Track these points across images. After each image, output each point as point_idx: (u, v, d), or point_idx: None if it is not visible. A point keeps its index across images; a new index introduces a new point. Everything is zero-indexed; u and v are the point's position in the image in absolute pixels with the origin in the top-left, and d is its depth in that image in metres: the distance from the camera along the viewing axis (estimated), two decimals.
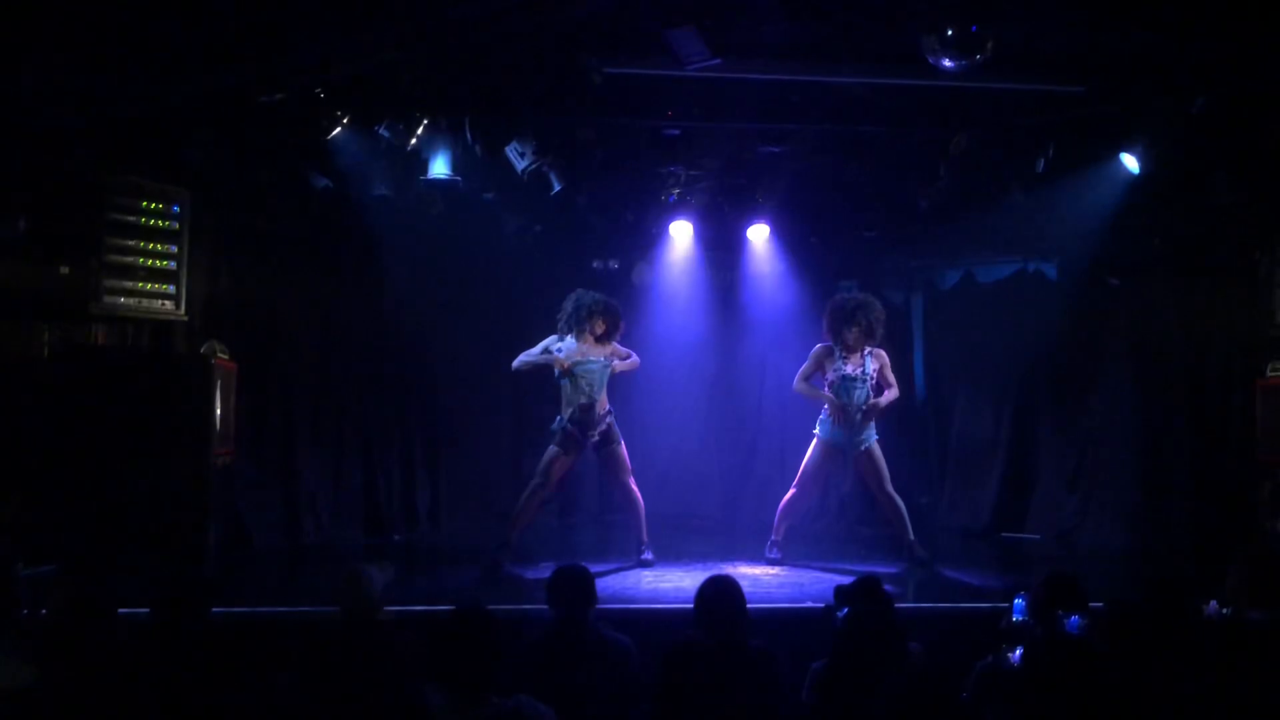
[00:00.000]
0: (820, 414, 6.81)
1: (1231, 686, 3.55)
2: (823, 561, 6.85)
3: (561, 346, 6.65)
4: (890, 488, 6.74)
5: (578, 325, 6.66)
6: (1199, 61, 5.83)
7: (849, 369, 6.69)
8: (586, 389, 6.55)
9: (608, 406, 6.67)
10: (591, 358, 6.63)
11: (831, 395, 6.66)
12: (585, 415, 6.56)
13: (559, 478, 6.74)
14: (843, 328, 6.71)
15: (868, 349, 6.74)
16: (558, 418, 6.62)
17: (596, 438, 6.65)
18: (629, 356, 6.79)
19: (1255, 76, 5.83)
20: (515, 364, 6.65)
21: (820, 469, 6.85)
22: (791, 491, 6.89)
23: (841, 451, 6.78)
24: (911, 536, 6.74)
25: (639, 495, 6.82)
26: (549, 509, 7.10)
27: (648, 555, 6.78)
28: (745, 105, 6.58)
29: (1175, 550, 6.89)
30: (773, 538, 6.91)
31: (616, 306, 6.79)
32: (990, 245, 8.31)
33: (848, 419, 6.65)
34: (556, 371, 6.61)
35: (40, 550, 5.58)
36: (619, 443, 6.73)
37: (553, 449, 6.63)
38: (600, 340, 6.70)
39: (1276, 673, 3.59)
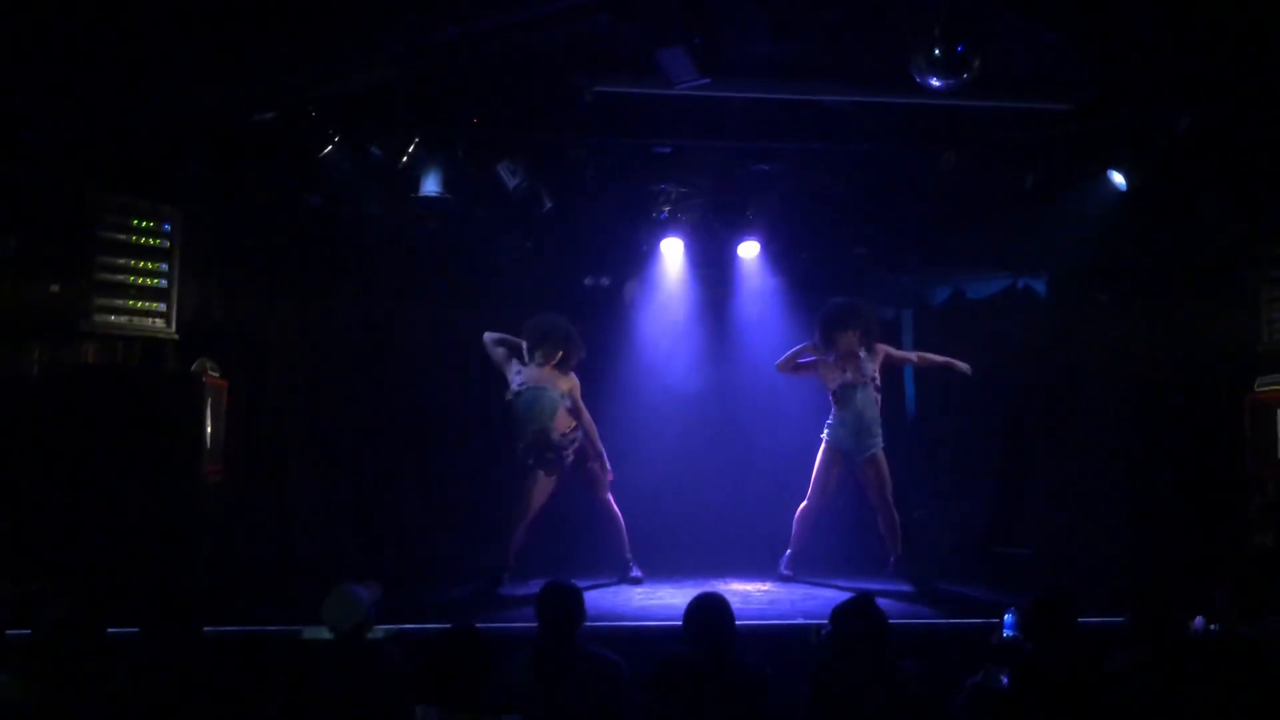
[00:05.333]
0: (828, 419, 6.81)
1: (1223, 703, 3.56)
2: (814, 578, 6.86)
3: (521, 370, 6.63)
4: (891, 500, 6.74)
5: (533, 351, 6.63)
6: (1184, 80, 5.88)
7: (849, 375, 6.68)
8: (536, 417, 6.54)
9: (568, 427, 6.62)
10: (539, 386, 6.59)
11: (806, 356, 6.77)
12: (541, 440, 6.55)
13: (541, 501, 6.68)
14: (835, 333, 6.66)
15: (863, 352, 6.72)
16: (518, 444, 6.62)
17: (571, 458, 6.63)
18: (576, 400, 6.69)
19: (1239, 95, 5.88)
20: (488, 337, 6.81)
21: (828, 474, 6.82)
22: (805, 502, 6.89)
23: (847, 457, 6.78)
24: (899, 553, 6.74)
25: (618, 511, 6.81)
26: (540, 527, 7.06)
27: (636, 573, 6.78)
28: (735, 123, 6.61)
29: (1164, 565, 6.90)
30: (790, 550, 6.89)
31: (572, 334, 6.71)
32: (980, 261, 8.33)
33: (855, 426, 6.65)
34: (506, 394, 6.64)
35: (29, 568, 5.56)
36: (595, 459, 6.72)
37: (534, 473, 6.60)
38: (558, 368, 6.67)
39: (1268, 689, 3.61)
